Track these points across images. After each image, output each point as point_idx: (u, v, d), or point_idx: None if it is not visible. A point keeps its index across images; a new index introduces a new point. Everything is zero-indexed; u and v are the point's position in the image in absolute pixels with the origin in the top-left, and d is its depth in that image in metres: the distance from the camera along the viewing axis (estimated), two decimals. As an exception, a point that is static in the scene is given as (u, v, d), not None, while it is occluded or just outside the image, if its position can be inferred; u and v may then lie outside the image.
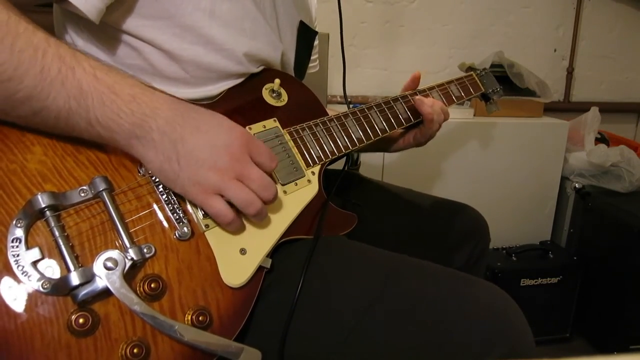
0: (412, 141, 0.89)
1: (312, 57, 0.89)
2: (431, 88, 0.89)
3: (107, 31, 0.60)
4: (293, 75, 0.80)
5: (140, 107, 0.50)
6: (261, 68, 0.70)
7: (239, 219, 0.56)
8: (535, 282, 1.58)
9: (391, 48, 1.89)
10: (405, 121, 0.83)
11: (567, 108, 2.05)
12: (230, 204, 0.54)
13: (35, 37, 0.47)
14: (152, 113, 0.50)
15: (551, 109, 1.90)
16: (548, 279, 1.59)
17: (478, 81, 0.98)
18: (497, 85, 1.03)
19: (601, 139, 1.86)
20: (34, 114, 0.48)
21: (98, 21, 0.55)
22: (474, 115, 1.68)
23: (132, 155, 0.53)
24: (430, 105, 0.84)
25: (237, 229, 0.57)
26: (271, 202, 0.57)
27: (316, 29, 0.88)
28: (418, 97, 0.85)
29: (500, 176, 1.70)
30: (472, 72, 0.99)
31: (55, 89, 0.47)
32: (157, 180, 0.55)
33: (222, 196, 0.53)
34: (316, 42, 0.90)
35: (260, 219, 0.58)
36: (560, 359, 1.27)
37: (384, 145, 0.93)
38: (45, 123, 0.49)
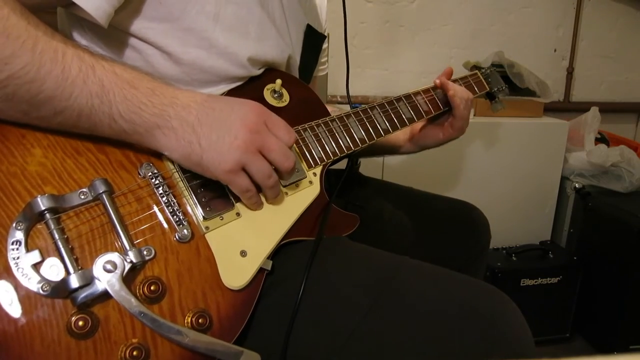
0: (451, 131, 0.89)
1: (321, 60, 0.89)
2: (435, 88, 0.89)
3: (110, 33, 0.60)
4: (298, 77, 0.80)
5: (159, 98, 0.52)
6: (263, 70, 0.70)
7: (258, 195, 0.59)
8: (535, 282, 1.58)
9: (391, 48, 1.89)
10: (408, 121, 0.82)
11: (567, 108, 2.04)
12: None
13: (54, 39, 0.48)
14: (170, 102, 0.53)
15: (551, 109, 1.90)
16: (548, 279, 1.59)
17: (483, 80, 0.98)
18: (502, 84, 1.02)
19: (601, 139, 1.86)
20: (55, 113, 0.49)
21: (107, 25, 0.55)
22: (474, 115, 1.68)
23: (154, 148, 0.54)
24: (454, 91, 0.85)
25: (259, 206, 0.60)
26: (290, 174, 0.59)
27: (325, 33, 0.88)
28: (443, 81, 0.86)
29: (500, 176, 1.70)
30: (476, 71, 0.99)
31: (78, 87, 0.48)
32: (157, 182, 0.55)
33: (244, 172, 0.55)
34: (325, 45, 0.90)
35: (275, 194, 0.60)
36: (560, 359, 1.27)
37: (390, 148, 0.92)
38: (66, 122, 0.50)
